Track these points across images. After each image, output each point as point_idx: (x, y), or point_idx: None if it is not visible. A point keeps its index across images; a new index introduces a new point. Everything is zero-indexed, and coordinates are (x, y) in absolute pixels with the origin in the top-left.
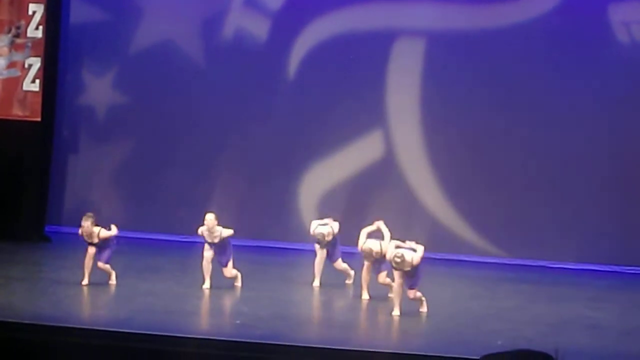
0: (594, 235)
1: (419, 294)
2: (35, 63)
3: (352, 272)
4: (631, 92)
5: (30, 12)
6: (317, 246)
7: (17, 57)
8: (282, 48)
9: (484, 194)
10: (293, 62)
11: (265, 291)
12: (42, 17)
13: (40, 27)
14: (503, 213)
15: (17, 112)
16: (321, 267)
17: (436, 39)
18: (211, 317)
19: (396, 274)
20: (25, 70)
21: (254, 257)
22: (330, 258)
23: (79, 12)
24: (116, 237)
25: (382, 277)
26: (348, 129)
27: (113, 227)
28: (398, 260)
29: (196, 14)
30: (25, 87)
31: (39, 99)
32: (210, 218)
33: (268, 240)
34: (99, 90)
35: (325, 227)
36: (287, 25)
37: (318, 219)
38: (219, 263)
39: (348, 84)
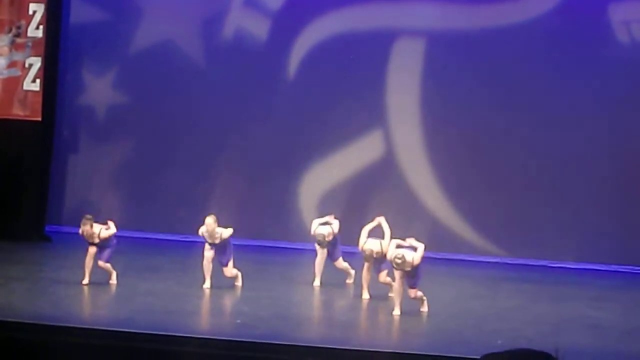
0: (594, 235)
1: (419, 293)
2: (36, 63)
3: (352, 272)
4: (631, 92)
5: (30, 12)
6: (317, 246)
7: (18, 56)
8: (282, 48)
9: (484, 193)
10: (293, 62)
11: (266, 291)
12: (42, 17)
13: (41, 27)
14: (503, 213)
15: (18, 112)
16: (322, 266)
17: (436, 39)
18: (212, 316)
19: (397, 273)
20: (26, 69)
21: (255, 257)
22: (330, 257)
23: (80, 12)
24: (116, 235)
25: (383, 277)
26: (348, 128)
27: (111, 224)
28: (399, 261)
29: (196, 14)
30: (25, 87)
31: (40, 99)
32: (209, 222)
33: (268, 240)
34: (99, 90)
35: (326, 228)
36: (287, 25)
37: (318, 217)
38: (219, 263)
39: (348, 83)
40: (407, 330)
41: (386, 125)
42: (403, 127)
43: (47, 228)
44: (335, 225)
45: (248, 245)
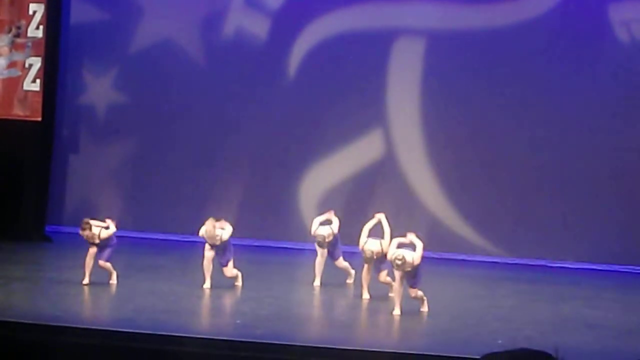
0: (594, 235)
1: (420, 293)
2: (36, 63)
3: (352, 272)
4: (631, 92)
5: (30, 12)
6: (317, 246)
7: (18, 56)
8: (282, 47)
9: (484, 193)
10: (293, 62)
11: (266, 291)
12: (42, 17)
13: (41, 27)
14: (503, 212)
15: (18, 112)
16: (322, 266)
17: (436, 39)
18: (212, 316)
19: (397, 273)
20: (26, 70)
21: (255, 257)
22: (331, 257)
23: (80, 12)
24: (116, 235)
25: (383, 276)
26: (348, 128)
27: (111, 223)
28: (399, 262)
29: (196, 13)
30: (25, 87)
31: (40, 99)
32: (209, 229)
33: (268, 239)
34: (99, 89)
35: (325, 229)
36: (287, 25)
37: (319, 214)
38: (219, 263)
39: (348, 83)
40: (407, 330)
41: (386, 124)
42: (403, 127)
43: (47, 228)
44: (335, 224)
45: (248, 245)
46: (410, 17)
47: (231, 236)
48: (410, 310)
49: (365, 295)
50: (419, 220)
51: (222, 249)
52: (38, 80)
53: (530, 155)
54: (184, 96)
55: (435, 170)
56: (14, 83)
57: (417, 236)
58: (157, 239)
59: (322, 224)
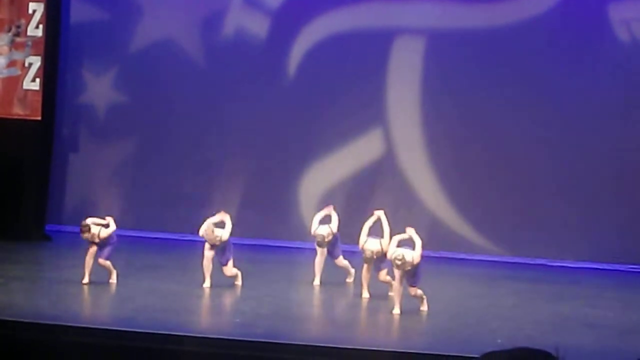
0: (594, 234)
1: (419, 291)
2: (36, 62)
3: (352, 271)
4: (631, 91)
5: (30, 11)
6: (317, 246)
7: (17, 56)
8: (282, 47)
9: (484, 192)
10: (293, 61)
11: (266, 290)
12: (42, 16)
13: (41, 26)
14: (503, 211)
15: (18, 111)
16: (321, 265)
17: (436, 38)
18: (211, 315)
19: (396, 272)
20: (26, 69)
21: (254, 256)
22: (331, 255)
23: (79, 11)
24: (116, 234)
25: (383, 275)
26: (348, 127)
27: (110, 220)
28: (399, 262)
29: (196, 13)
30: (25, 86)
31: (39, 98)
32: (208, 232)
33: (268, 238)
34: (99, 89)
35: (325, 229)
36: (287, 24)
37: (319, 211)
38: (219, 262)
39: (348, 82)
40: (406, 329)
41: (386, 124)
42: (403, 126)
43: (47, 227)
44: (334, 222)
45: (248, 245)
46: (410, 16)
47: (231, 235)
48: (410, 309)
49: (365, 294)
50: (418, 219)
51: (221, 249)
52: (38, 80)
53: (530, 154)
54: (184, 96)
55: (435, 169)
56: (13, 82)
57: (416, 233)
58: (157, 238)
59: (322, 220)
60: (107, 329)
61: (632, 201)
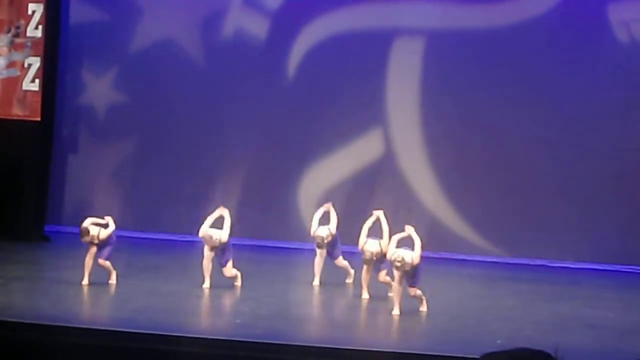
0: (594, 235)
1: (419, 292)
2: (35, 63)
3: (352, 271)
4: (631, 91)
5: (29, 12)
6: (316, 247)
7: (17, 56)
8: (282, 47)
9: (483, 192)
10: (293, 61)
11: (265, 290)
12: (41, 17)
13: (40, 27)
14: (503, 212)
15: (17, 112)
16: (321, 266)
17: (436, 38)
18: (211, 316)
19: (396, 273)
20: (25, 69)
21: (254, 257)
22: (330, 256)
23: (79, 12)
24: (116, 234)
25: (382, 276)
26: (348, 128)
27: (110, 220)
28: (398, 264)
29: (196, 13)
30: (24, 87)
31: (39, 99)
32: (206, 238)
33: (268, 239)
34: (98, 89)
35: (324, 230)
36: (286, 25)
37: (318, 208)
38: (218, 263)
39: (348, 82)
40: (406, 329)
41: (386, 124)
42: (403, 126)
43: (46, 228)
44: (333, 224)
45: (247, 245)
46: (410, 16)
47: (230, 235)
48: (409, 310)
49: (365, 295)
50: (418, 219)
51: (221, 249)
52: (37, 80)
53: (530, 155)
54: (184, 96)
55: (434, 169)
56: (13, 83)
57: (415, 232)
58: (156, 238)
59: (321, 219)
60: (106, 330)
61: (632, 201)
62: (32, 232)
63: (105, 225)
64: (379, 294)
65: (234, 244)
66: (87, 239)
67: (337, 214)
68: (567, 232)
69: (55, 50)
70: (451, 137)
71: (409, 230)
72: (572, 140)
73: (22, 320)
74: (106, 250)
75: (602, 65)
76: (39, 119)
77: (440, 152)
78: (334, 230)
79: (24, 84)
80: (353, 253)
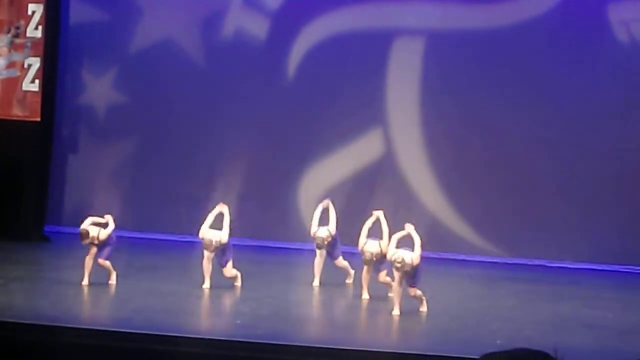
0: (594, 235)
1: (419, 292)
2: (35, 63)
3: (352, 271)
4: (631, 92)
5: (29, 12)
6: (316, 247)
7: (17, 57)
8: (282, 47)
9: (483, 192)
10: (293, 62)
11: (265, 291)
12: (41, 17)
13: (40, 27)
14: (503, 212)
15: (17, 112)
16: (321, 266)
17: (436, 38)
18: (211, 316)
19: (396, 273)
20: (25, 70)
21: (254, 257)
22: (330, 256)
23: (79, 12)
24: (116, 234)
25: (382, 276)
26: (348, 128)
27: (110, 219)
28: (398, 265)
29: (196, 13)
30: (24, 87)
31: (39, 99)
32: (207, 243)
33: (268, 239)
34: (98, 89)
35: (323, 231)
36: (286, 25)
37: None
38: (218, 263)
39: (348, 82)
40: (406, 330)
41: (386, 124)
42: (403, 126)
43: (46, 228)
44: (332, 224)
45: (247, 245)
46: (410, 16)
47: (230, 236)
48: (409, 310)
49: (365, 296)
50: (418, 219)
51: (221, 250)
52: (37, 81)
53: (530, 155)
54: (184, 96)
55: (434, 169)
56: (12, 83)
57: (415, 231)
58: (156, 239)
59: (321, 218)
60: (106, 330)
61: (632, 201)
62: (32, 232)
63: (105, 225)
64: (379, 295)
65: (234, 244)
66: (87, 241)
67: (337, 213)
68: (566, 232)
69: (55, 50)
70: (451, 137)
71: (409, 228)
72: (572, 140)
73: (22, 321)
74: (106, 250)
75: (602, 65)
76: (38, 119)
77: (440, 152)
78: (333, 231)
79: (23, 84)
80: (353, 253)
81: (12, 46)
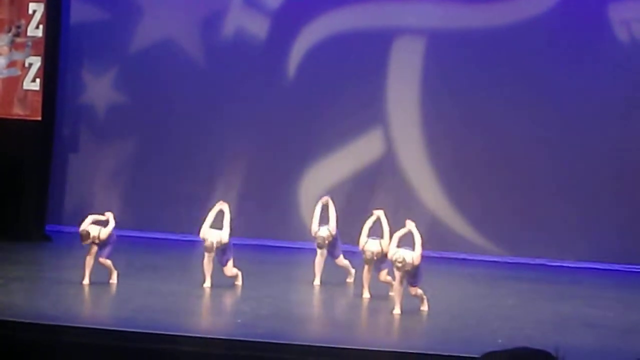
0: (594, 234)
1: (420, 291)
2: (36, 62)
3: (352, 271)
4: (631, 91)
5: (30, 12)
6: (317, 247)
7: (18, 56)
8: (282, 47)
9: (484, 192)
10: (293, 61)
11: (266, 290)
12: (42, 16)
13: (41, 26)
14: (504, 211)
15: (18, 112)
16: (322, 265)
17: (436, 38)
18: (212, 316)
19: (397, 273)
20: (26, 69)
21: (254, 256)
22: (331, 255)
23: (79, 12)
24: (116, 233)
25: (383, 275)
26: (348, 127)
27: (109, 217)
28: (399, 264)
29: (196, 13)
30: (25, 86)
31: (39, 98)
32: (207, 246)
33: (268, 239)
34: (99, 89)
35: (324, 231)
36: (286, 24)
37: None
38: (219, 262)
39: (348, 82)
40: (407, 329)
41: (386, 124)
42: (403, 126)
43: (47, 227)
44: (332, 223)
45: (248, 245)
46: (411, 16)
47: (231, 235)
48: (410, 309)
49: (366, 295)
50: (419, 219)
51: (222, 249)
52: (38, 80)
53: (530, 154)
54: (184, 96)
55: (435, 169)
56: (13, 82)
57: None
58: (157, 238)
59: (321, 217)
60: (107, 330)
61: (632, 201)
62: (32, 231)
63: (105, 223)
64: (380, 294)
65: (234, 244)
66: (88, 242)
67: (337, 212)
68: (567, 231)
69: (56, 49)
70: (451, 136)
71: (410, 225)
72: (572, 140)
73: (22, 320)
74: (107, 250)
75: (602, 65)
76: (39, 118)
77: (441, 152)
78: (334, 231)
79: (24, 83)
80: (354, 253)
81: (13, 45)
